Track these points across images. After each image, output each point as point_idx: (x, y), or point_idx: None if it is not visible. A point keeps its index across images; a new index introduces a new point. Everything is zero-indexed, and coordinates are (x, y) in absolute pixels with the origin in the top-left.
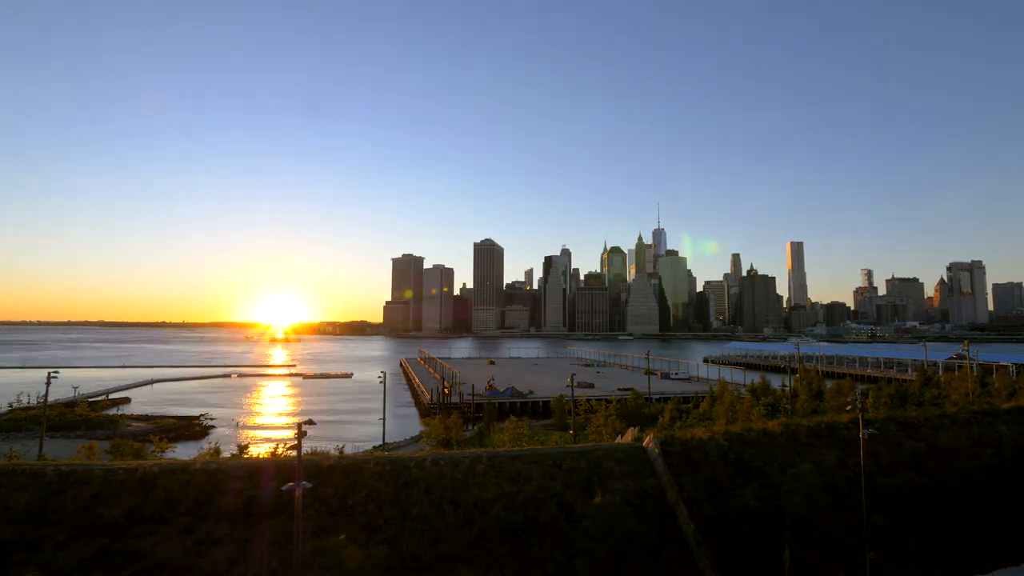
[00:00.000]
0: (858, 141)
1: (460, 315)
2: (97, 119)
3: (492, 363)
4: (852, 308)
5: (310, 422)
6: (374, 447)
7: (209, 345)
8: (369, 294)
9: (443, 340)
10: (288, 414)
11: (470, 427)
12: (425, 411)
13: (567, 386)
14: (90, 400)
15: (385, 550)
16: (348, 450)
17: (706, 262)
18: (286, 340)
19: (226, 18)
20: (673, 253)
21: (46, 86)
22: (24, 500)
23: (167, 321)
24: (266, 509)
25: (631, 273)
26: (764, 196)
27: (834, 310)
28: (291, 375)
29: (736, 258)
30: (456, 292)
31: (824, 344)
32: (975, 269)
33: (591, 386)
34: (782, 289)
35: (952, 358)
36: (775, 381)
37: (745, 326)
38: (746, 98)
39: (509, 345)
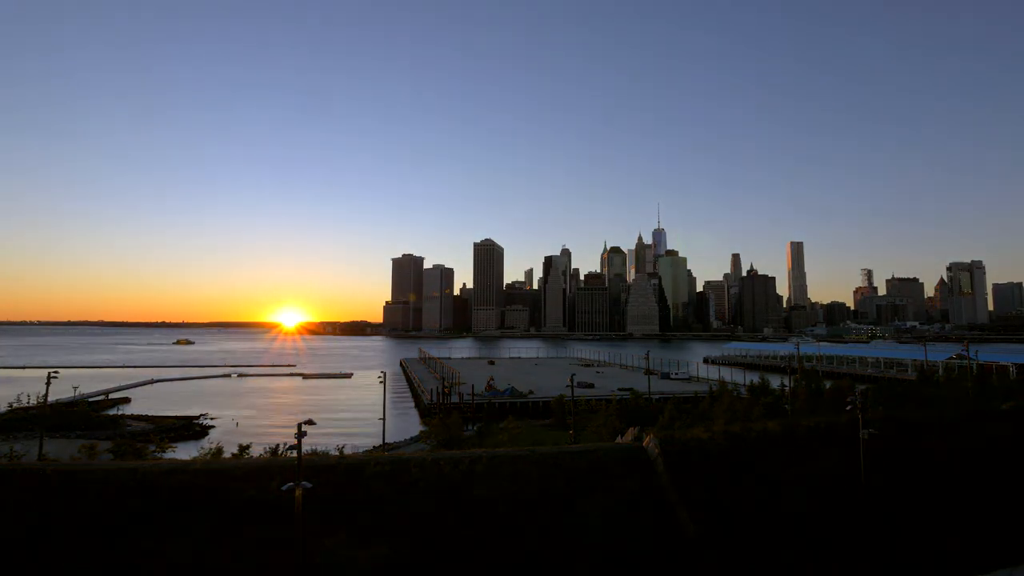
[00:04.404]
0: (858, 141)
1: (460, 315)
2: (97, 119)
3: (492, 363)
4: (852, 308)
5: (310, 422)
6: (374, 447)
7: (212, 345)
8: (369, 294)
9: (443, 340)
10: (288, 414)
11: (470, 427)
12: (425, 411)
13: (567, 386)
14: (90, 400)
15: (385, 550)
16: (348, 450)
17: (705, 261)
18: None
19: (226, 18)
20: (673, 253)
21: (47, 85)
22: (24, 501)
23: (167, 321)
24: (266, 509)
25: (631, 273)
26: (764, 196)
27: (834, 310)
28: (291, 375)
29: (736, 258)
30: (456, 292)
31: (824, 344)
32: (975, 269)
33: (591, 386)
34: (782, 289)
35: (952, 358)
36: (775, 381)
37: (745, 326)
38: (746, 97)
39: (509, 345)
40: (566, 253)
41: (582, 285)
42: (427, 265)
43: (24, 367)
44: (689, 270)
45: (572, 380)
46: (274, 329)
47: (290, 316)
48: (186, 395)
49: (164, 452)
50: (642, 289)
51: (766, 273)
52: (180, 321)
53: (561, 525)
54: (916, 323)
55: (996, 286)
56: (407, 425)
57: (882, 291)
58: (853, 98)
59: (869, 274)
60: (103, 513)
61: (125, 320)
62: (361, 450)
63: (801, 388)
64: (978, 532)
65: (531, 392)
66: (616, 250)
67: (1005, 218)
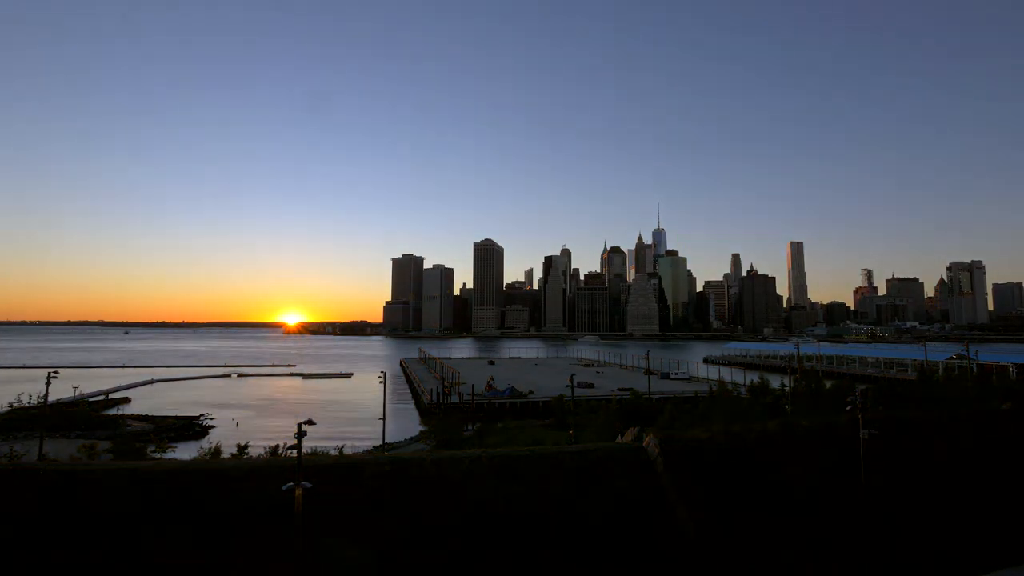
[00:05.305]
0: (858, 141)
1: (460, 315)
2: (98, 119)
3: (492, 363)
4: (852, 308)
5: (310, 422)
6: (374, 447)
7: (209, 343)
8: (369, 294)
9: (443, 340)
10: (288, 414)
11: (470, 427)
12: (425, 411)
13: (567, 386)
14: (90, 400)
15: (384, 550)
16: (348, 450)
17: (705, 261)
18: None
19: (226, 18)
20: (673, 253)
21: (48, 84)
22: (23, 501)
23: (167, 321)
24: (266, 509)
25: (631, 273)
26: (764, 196)
27: (834, 310)
28: (291, 375)
29: (736, 258)
30: (456, 292)
31: (824, 344)
32: (975, 269)
33: (591, 386)
34: (782, 289)
35: (952, 358)
36: (775, 381)
37: (745, 326)
38: (746, 97)
39: (509, 345)
40: (566, 253)
41: (582, 285)
42: (427, 265)
43: (24, 367)
44: (689, 270)
45: (572, 380)
46: (281, 328)
47: (290, 316)
48: (186, 395)
49: (164, 452)
50: (642, 289)
51: (766, 273)
52: (180, 321)
53: (561, 525)
54: (916, 323)
55: (996, 286)
56: (407, 425)
57: (882, 291)
58: (853, 98)
59: (869, 274)
60: (102, 513)
61: (125, 320)
62: (361, 450)
63: (801, 388)
64: (978, 532)
65: (531, 392)
66: (616, 250)
67: (1005, 218)
